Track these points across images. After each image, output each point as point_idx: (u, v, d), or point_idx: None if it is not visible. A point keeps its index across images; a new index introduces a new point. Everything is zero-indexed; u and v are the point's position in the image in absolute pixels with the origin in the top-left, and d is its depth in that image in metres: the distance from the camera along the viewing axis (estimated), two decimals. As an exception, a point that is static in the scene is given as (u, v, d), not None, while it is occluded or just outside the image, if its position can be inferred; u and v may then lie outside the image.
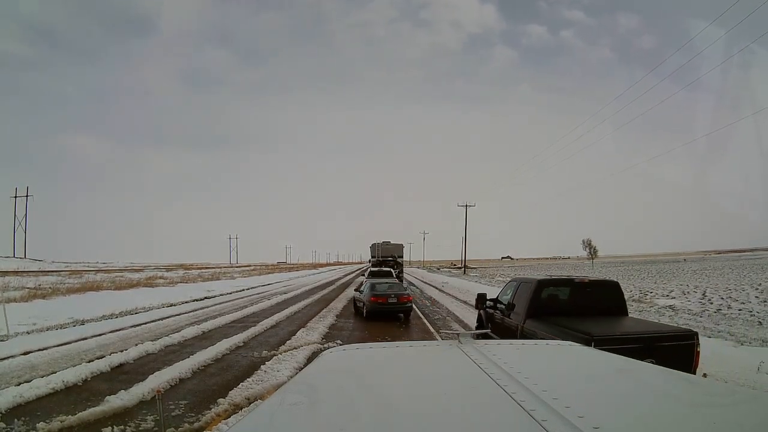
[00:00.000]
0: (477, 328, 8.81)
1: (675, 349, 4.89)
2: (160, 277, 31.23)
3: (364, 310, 13.54)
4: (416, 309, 15.82)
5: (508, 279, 8.95)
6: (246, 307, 16.36)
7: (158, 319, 12.76)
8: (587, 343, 4.33)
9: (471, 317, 13.91)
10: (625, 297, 6.36)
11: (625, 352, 2.73)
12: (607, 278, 7.51)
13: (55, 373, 6.56)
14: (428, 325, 12.41)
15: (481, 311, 8.33)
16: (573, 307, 6.28)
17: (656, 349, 4.74)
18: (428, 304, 18.14)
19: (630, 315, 6.50)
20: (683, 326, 6.10)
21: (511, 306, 6.81)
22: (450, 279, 37.03)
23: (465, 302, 18.93)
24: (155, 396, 3.84)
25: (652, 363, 3.28)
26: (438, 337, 10.37)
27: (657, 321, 10.84)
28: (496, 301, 7.60)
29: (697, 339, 5.00)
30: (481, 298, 8.25)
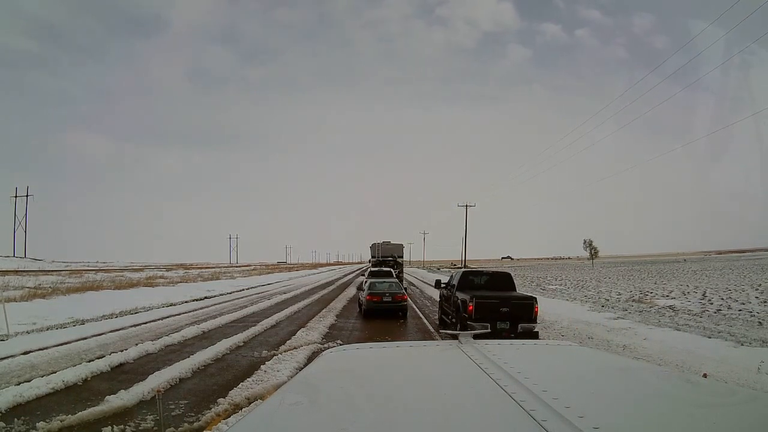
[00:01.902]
0: (440, 303, 13.05)
1: (522, 306, 9.19)
2: (160, 277, 31.22)
3: (363, 308, 14.01)
4: (416, 309, 15.85)
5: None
6: (246, 306, 16.36)
7: (158, 319, 12.76)
8: (471, 300, 8.83)
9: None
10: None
11: (490, 305, 8.35)
12: (504, 270, 13.04)
13: (55, 372, 6.55)
14: (428, 325, 12.41)
15: (440, 290, 12.83)
16: (483, 285, 10.92)
17: (511, 305, 9.04)
18: (428, 304, 18.13)
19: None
20: (529, 294, 11.61)
21: (452, 285, 11.26)
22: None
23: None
24: (155, 396, 3.84)
25: (507, 312, 8.38)
26: (438, 337, 10.38)
27: (657, 319, 10.92)
28: (447, 283, 12.12)
29: (536, 301, 9.35)
30: (437, 282, 13.27)
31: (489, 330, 8.17)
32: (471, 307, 9.08)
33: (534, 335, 9.06)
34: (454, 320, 10.19)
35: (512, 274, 11.62)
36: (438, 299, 13.57)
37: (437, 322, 12.64)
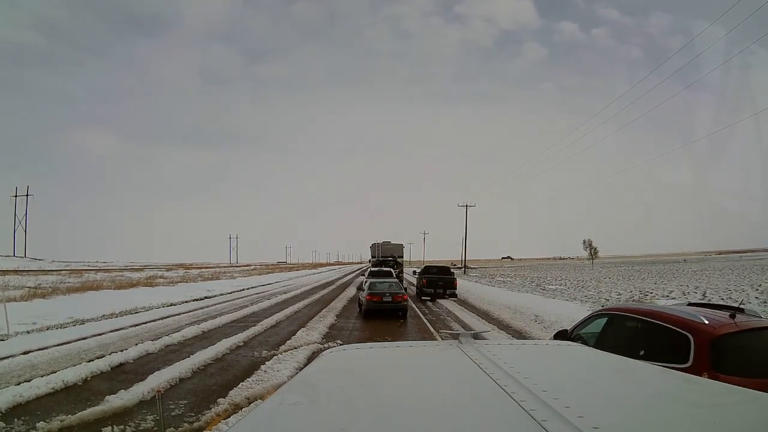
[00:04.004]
0: (416, 283, 22.56)
1: (449, 281, 20.24)
2: (161, 277, 31.22)
3: (363, 308, 14.00)
4: (416, 308, 15.86)
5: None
6: (246, 306, 16.37)
7: (158, 319, 12.77)
8: (424, 278, 20.50)
9: (472, 319, 13.92)
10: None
11: (433, 281, 20.22)
12: (446, 266, 24.36)
13: (55, 372, 6.56)
14: (428, 324, 12.42)
15: (416, 276, 23.64)
16: (434, 272, 20.89)
17: (443, 280, 20.18)
18: (429, 305, 18.14)
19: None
20: (453, 276, 21.21)
21: (420, 273, 21.80)
22: (450, 279, 37.03)
23: (465, 302, 18.93)
24: (155, 396, 3.84)
25: (441, 284, 20.86)
26: (438, 337, 10.38)
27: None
28: (419, 272, 22.12)
29: (456, 278, 21.10)
30: (414, 272, 27.97)
31: (433, 291, 19.72)
32: (425, 281, 20.17)
33: (454, 294, 20.02)
34: (418, 289, 21.14)
35: (450, 268, 22.95)
36: (417, 284, 22.75)
37: (435, 321, 12.69)
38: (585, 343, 4.24)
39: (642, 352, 3.58)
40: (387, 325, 12.20)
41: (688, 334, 3.39)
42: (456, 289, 20.25)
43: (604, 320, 4.38)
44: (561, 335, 4.96)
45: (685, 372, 3.03)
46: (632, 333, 3.92)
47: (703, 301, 3.98)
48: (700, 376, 3.04)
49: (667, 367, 3.23)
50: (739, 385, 2.38)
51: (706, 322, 3.46)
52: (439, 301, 19.67)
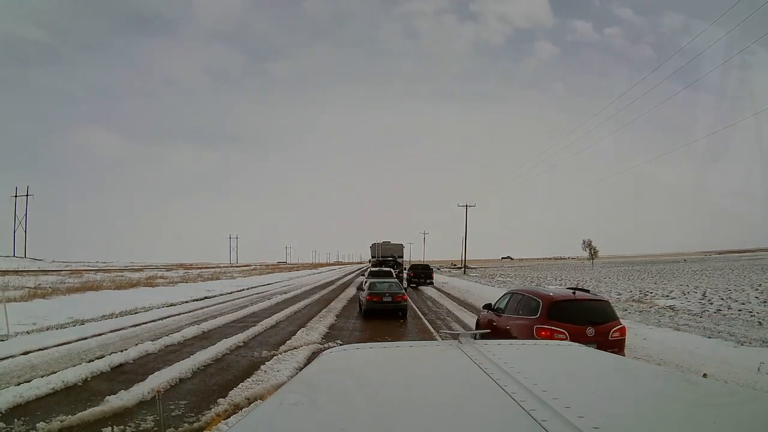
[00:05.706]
0: (405, 278, 29.39)
1: (428, 273, 30.30)
2: (160, 277, 31.20)
3: (363, 308, 14.00)
4: (416, 309, 15.85)
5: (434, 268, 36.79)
6: (246, 306, 16.36)
7: (158, 319, 12.76)
8: (411, 272, 30.85)
9: (472, 319, 13.91)
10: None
11: (417, 272, 30.16)
12: (427, 263, 36.06)
13: (55, 373, 6.55)
14: (428, 324, 12.41)
15: (407, 271, 31.41)
16: (420, 269, 30.67)
17: (424, 273, 30.08)
18: (429, 305, 18.14)
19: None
20: (432, 270, 32.01)
21: (410, 269, 31.30)
22: (450, 279, 37.11)
23: (465, 302, 18.94)
24: (155, 396, 3.84)
25: (423, 275, 31.23)
26: (438, 337, 10.38)
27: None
28: (408, 268, 31.68)
29: (431, 270, 31.49)
30: (405, 268, 32.50)
31: (417, 281, 29.00)
32: (412, 274, 29.72)
33: (431, 283, 29.63)
34: (407, 280, 28.24)
35: (430, 265, 32.84)
36: (406, 277, 29.88)
37: (435, 321, 12.71)
38: (500, 310, 7.31)
39: (520, 312, 6.48)
40: (387, 325, 12.20)
41: (540, 301, 6.15)
42: (433, 279, 30.25)
43: (509, 296, 7.36)
44: (487, 307, 7.98)
45: (533, 320, 6.07)
46: (518, 302, 6.73)
47: (588, 288, 7.37)
48: (543, 323, 5.87)
49: (526, 318, 6.37)
50: (559, 327, 5.80)
51: (551, 294, 6.32)
52: (440, 301, 19.71)
